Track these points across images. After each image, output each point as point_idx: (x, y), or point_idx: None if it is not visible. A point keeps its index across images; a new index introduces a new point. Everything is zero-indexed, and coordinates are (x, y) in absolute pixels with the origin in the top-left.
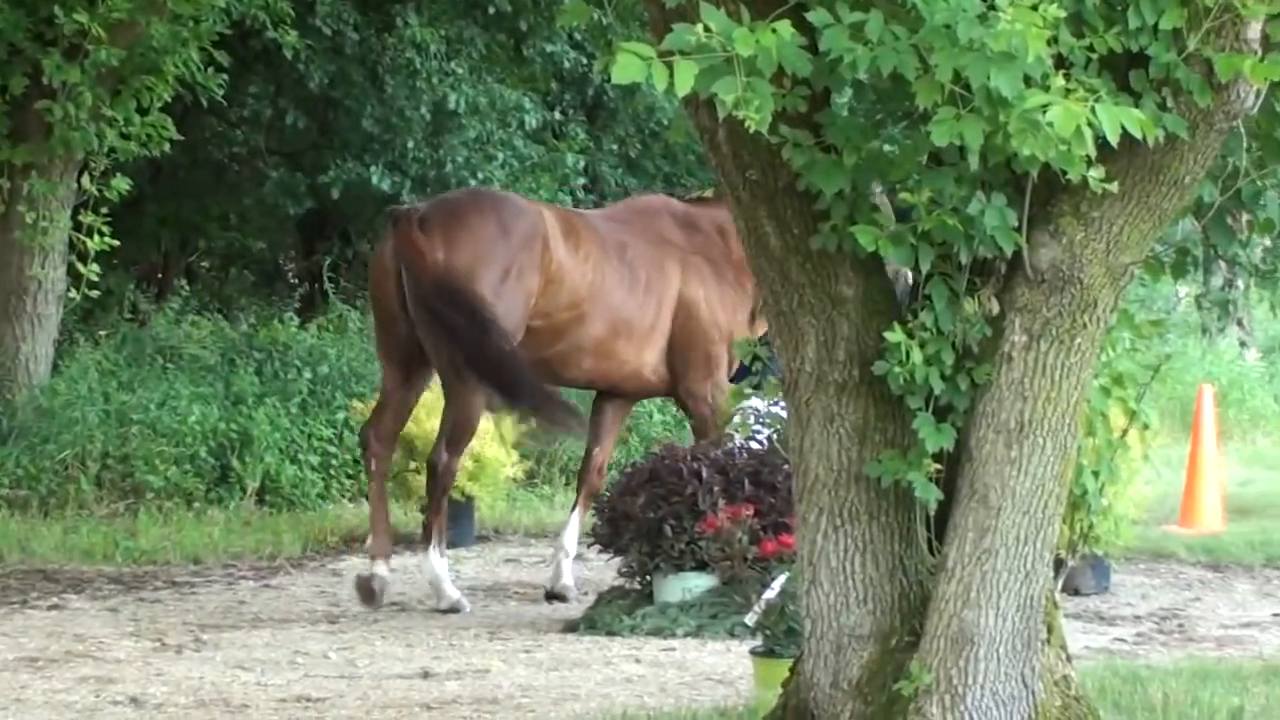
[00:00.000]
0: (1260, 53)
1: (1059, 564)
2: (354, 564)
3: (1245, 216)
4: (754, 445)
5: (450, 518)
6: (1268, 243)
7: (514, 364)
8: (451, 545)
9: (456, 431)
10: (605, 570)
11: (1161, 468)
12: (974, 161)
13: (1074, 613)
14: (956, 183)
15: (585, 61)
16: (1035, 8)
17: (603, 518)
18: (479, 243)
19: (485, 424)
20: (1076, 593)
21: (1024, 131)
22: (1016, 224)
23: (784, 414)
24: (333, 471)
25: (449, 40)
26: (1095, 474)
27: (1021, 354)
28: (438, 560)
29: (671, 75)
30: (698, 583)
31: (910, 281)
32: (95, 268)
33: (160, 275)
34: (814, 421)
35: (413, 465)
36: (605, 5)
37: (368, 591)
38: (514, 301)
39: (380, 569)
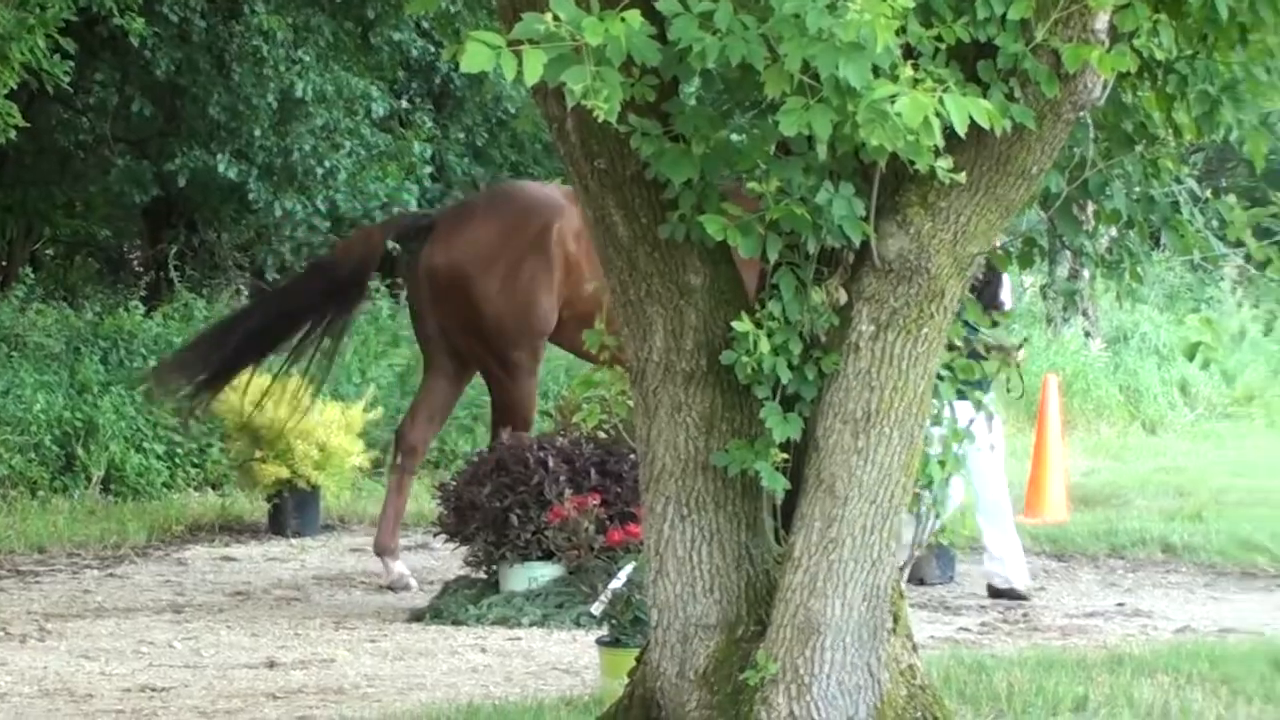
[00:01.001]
0: (1107, 44)
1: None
2: (199, 553)
3: (1091, 207)
4: (600, 434)
5: (295, 506)
6: (1113, 233)
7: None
8: (297, 534)
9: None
10: (451, 560)
11: (1007, 458)
12: (822, 151)
13: (920, 602)
14: (805, 172)
15: (433, 50)
16: None
17: (449, 507)
18: (477, 246)
19: (334, 413)
20: (922, 582)
21: (872, 122)
22: (864, 214)
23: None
24: (178, 460)
25: (296, 28)
26: (942, 463)
27: (869, 344)
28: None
29: (520, 64)
30: (544, 572)
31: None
32: None
33: (4, 263)
34: (661, 411)
35: (258, 454)
36: None
37: (405, 585)
38: (524, 301)
39: (398, 568)
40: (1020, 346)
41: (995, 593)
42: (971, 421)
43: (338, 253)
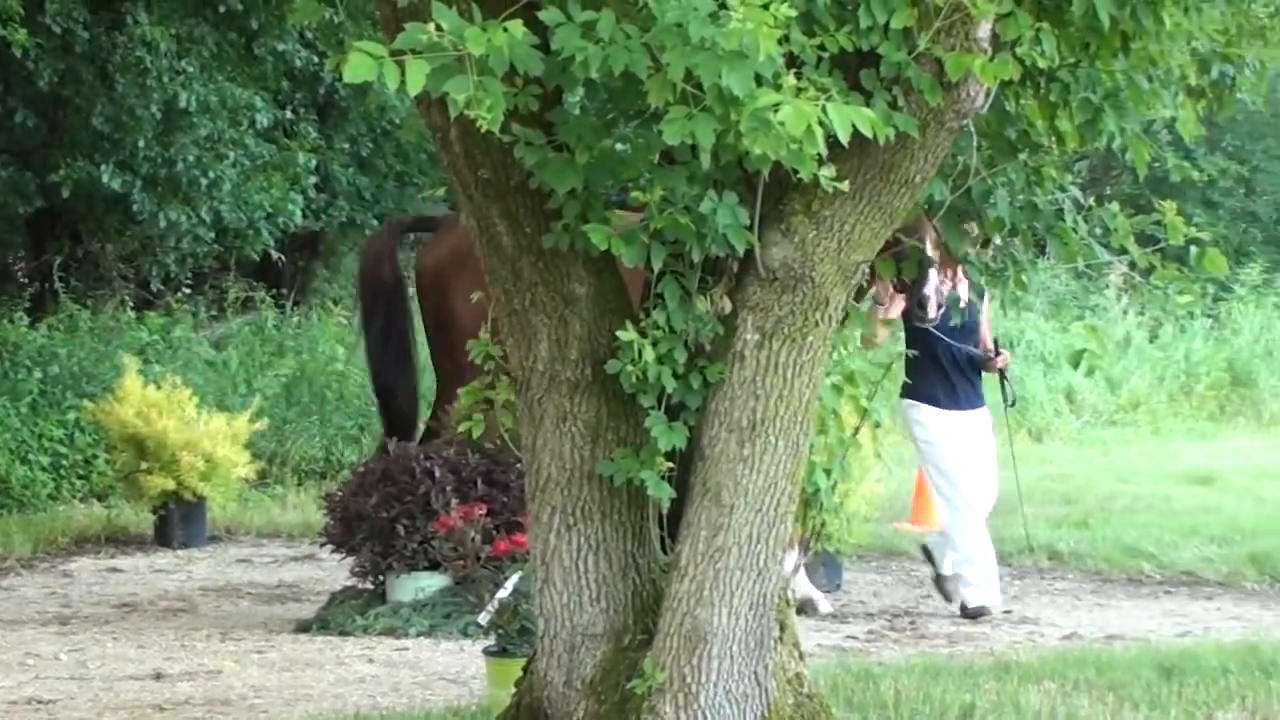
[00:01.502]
0: (990, 52)
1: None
2: (85, 565)
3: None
4: (486, 445)
5: (181, 518)
6: (998, 241)
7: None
8: (183, 545)
9: None
10: (338, 570)
11: (893, 466)
12: (706, 160)
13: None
14: (689, 181)
15: (317, 60)
16: (766, 7)
17: (335, 517)
18: (458, 250)
19: (220, 424)
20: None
21: (755, 130)
22: (748, 222)
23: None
24: (63, 472)
25: (179, 38)
26: (828, 472)
27: (754, 352)
28: None
29: (403, 74)
30: (430, 582)
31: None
32: None
33: None
34: (546, 420)
35: (144, 466)
36: (337, 4)
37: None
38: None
39: None
40: (999, 354)
41: (966, 613)
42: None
43: (370, 262)
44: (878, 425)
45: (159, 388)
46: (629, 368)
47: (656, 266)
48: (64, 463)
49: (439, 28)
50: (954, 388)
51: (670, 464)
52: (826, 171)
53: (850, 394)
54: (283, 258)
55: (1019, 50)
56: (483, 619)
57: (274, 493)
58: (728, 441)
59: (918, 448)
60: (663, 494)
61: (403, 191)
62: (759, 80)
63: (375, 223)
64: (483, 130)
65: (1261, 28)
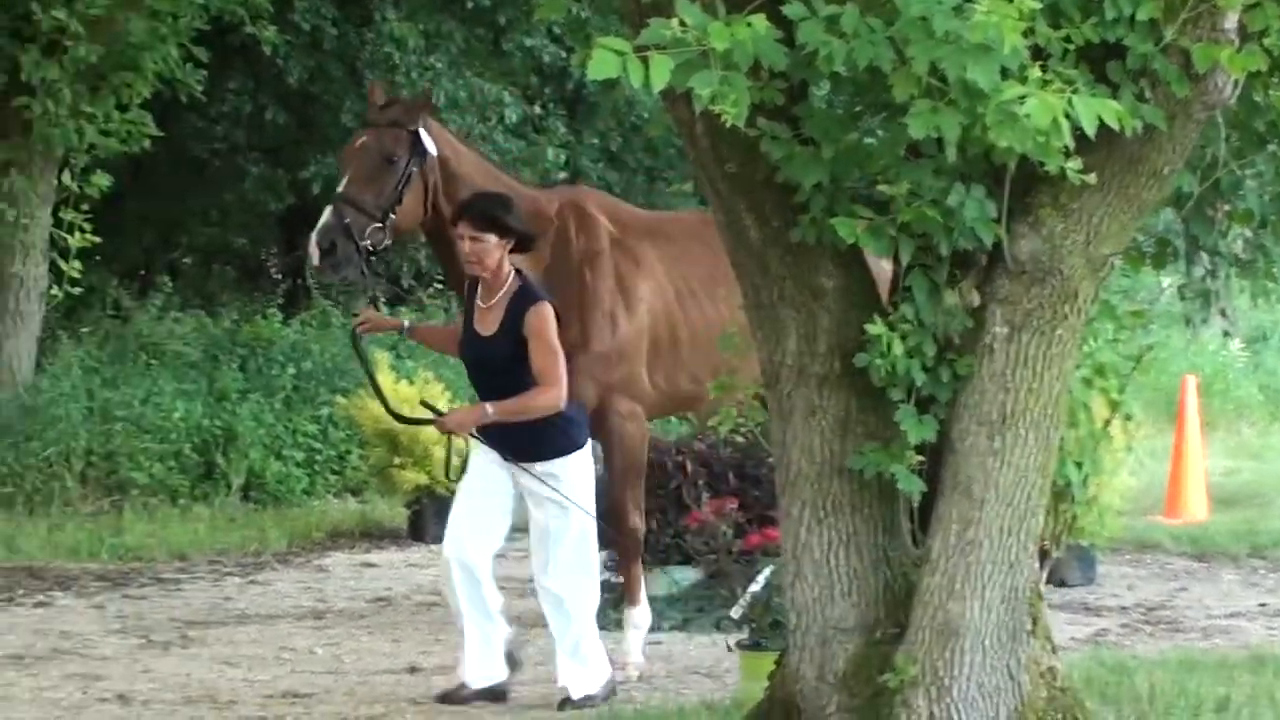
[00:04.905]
0: (1237, 43)
1: (1044, 555)
2: (339, 560)
3: (1225, 206)
4: (737, 438)
5: (435, 513)
6: (1248, 233)
7: None
8: (437, 540)
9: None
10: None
11: (1145, 458)
12: (952, 153)
13: (1060, 604)
14: (935, 175)
15: (564, 55)
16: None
17: None
18: None
19: None
20: (1062, 584)
21: (1001, 123)
22: (996, 215)
23: None
24: (317, 467)
25: (428, 35)
26: (1079, 465)
27: (1003, 345)
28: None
29: (647, 71)
30: (683, 576)
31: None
32: (77, 265)
33: (143, 272)
34: (796, 415)
35: (397, 461)
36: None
37: None
38: None
39: None
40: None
41: None
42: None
43: None
44: (1129, 418)
45: (411, 383)
46: (878, 361)
47: (905, 260)
48: (318, 458)
49: (683, 23)
50: None
51: (920, 457)
52: (1073, 164)
53: (1101, 387)
54: None
55: (1266, 41)
56: (735, 613)
57: None
58: (978, 435)
59: None
60: (913, 488)
61: (651, 186)
62: (1004, 73)
63: None
64: (728, 125)
65: None
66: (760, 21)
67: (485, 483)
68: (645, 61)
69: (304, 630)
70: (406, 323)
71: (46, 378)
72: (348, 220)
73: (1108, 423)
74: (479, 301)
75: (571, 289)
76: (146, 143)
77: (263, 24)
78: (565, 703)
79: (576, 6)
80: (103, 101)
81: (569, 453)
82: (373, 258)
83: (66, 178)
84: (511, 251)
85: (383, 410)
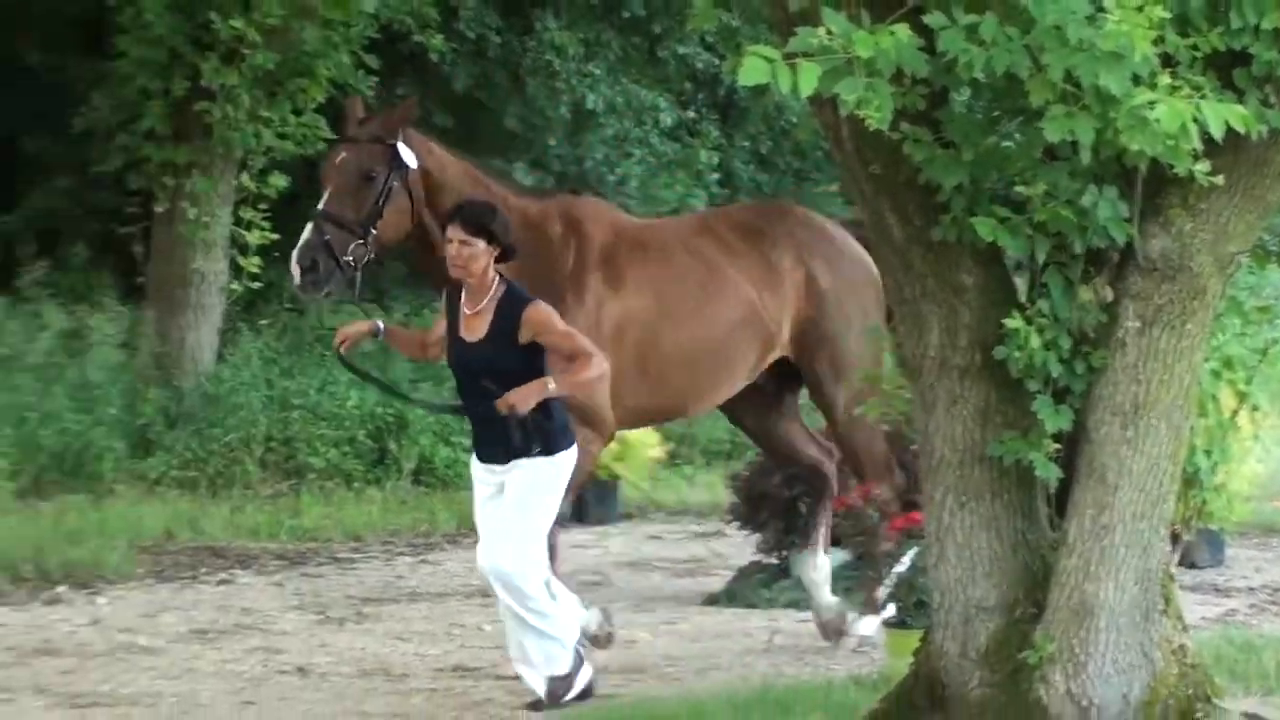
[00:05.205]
0: None
1: (1175, 538)
2: None
3: None
4: (883, 427)
5: (596, 496)
6: None
7: None
8: (598, 522)
9: None
10: (744, 546)
11: (1272, 446)
12: (1086, 156)
13: (1190, 585)
14: (1070, 176)
15: (717, 63)
16: (1141, 9)
17: (740, 496)
18: None
19: None
20: (1193, 566)
21: (1133, 128)
22: (1128, 215)
23: None
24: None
25: (586, 43)
26: (1208, 453)
27: (1135, 339)
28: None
29: (795, 77)
30: (832, 558)
31: None
32: (256, 261)
33: None
34: (939, 405)
35: None
36: (733, 9)
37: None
38: None
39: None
40: None
41: None
42: (1236, 413)
43: None
44: (1256, 409)
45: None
46: (1016, 354)
47: (1041, 258)
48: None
49: (829, 32)
50: None
51: (1057, 445)
52: (1202, 166)
53: (1229, 379)
54: None
55: None
56: (881, 593)
57: (683, 473)
58: (1111, 424)
59: None
60: (1050, 474)
61: (800, 187)
62: (1135, 79)
63: None
64: (872, 128)
65: None
66: (903, 30)
67: (490, 501)
68: (794, 68)
69: (472, 607)
70: (381, 324)
71: (227, 368)
72: (327, 237)
73: (1235, 413)
74: (464, 308)
75: (546, 299)
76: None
77: (430, 32)
78: (540, 703)
79: (728, 16)
80: (279, 106)
81: (549, 454)
82: (357, 273)
83: (245, 178)
84: (498, 259)
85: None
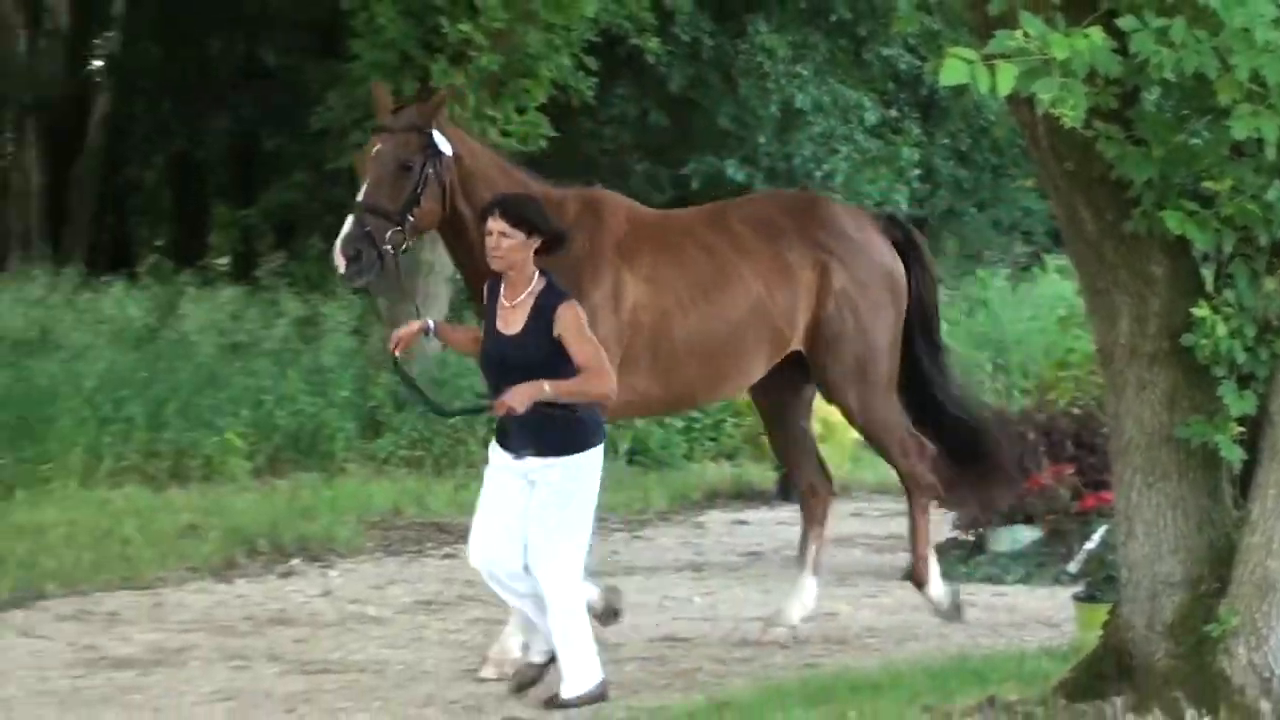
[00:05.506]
0: None
1: None
2: (715, 517)
3: None
4: (1074, 410)
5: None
6: None
7: None
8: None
9: None
10: (941, 523)
11: None
12: (1271, 153)
13: None
14: (1256, 172)
15: (919, 64)
16: None
17: (939, 476)
18: None
19: None
20: None
21: None
22: None
23: None
24: (695, 435)
25: (795, 46)
26: None
27: None
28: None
29: (993, 77)
30: (1025, 535)
31: None
32: None
33: None
34: (1128, 389)
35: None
36: (934, 12)
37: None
38: None
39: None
40: None
41: None
42: None
43: None
44: None
45: None
46: (1203, 341)
47: (1227, 250)
48: (695, 427)
49: (1026, 34)
50: None
51: (1241, 429)
52: None
53: None
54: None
55: None
56: (1072, 568)
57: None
58: None
59: None
60: (1234, 456)
61: (997, 182)
62: None
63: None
64: (1067, 126)
65: None
66: (1096, 33)
67: (501, 490)
68: (992, 69)
69: (684, 581)
70: (431, 323)
71: (452, 353)
72: (369, 228)
73: None
74: (503, 300)
75: (569, 285)
76: (543, 142)
77: (647, 36)
78: (553, 700)
79: (930, 19)
80: (503, 105)
81: (581, 450)
82: (397, 259)
83: None
84: (537, 253)
85: None
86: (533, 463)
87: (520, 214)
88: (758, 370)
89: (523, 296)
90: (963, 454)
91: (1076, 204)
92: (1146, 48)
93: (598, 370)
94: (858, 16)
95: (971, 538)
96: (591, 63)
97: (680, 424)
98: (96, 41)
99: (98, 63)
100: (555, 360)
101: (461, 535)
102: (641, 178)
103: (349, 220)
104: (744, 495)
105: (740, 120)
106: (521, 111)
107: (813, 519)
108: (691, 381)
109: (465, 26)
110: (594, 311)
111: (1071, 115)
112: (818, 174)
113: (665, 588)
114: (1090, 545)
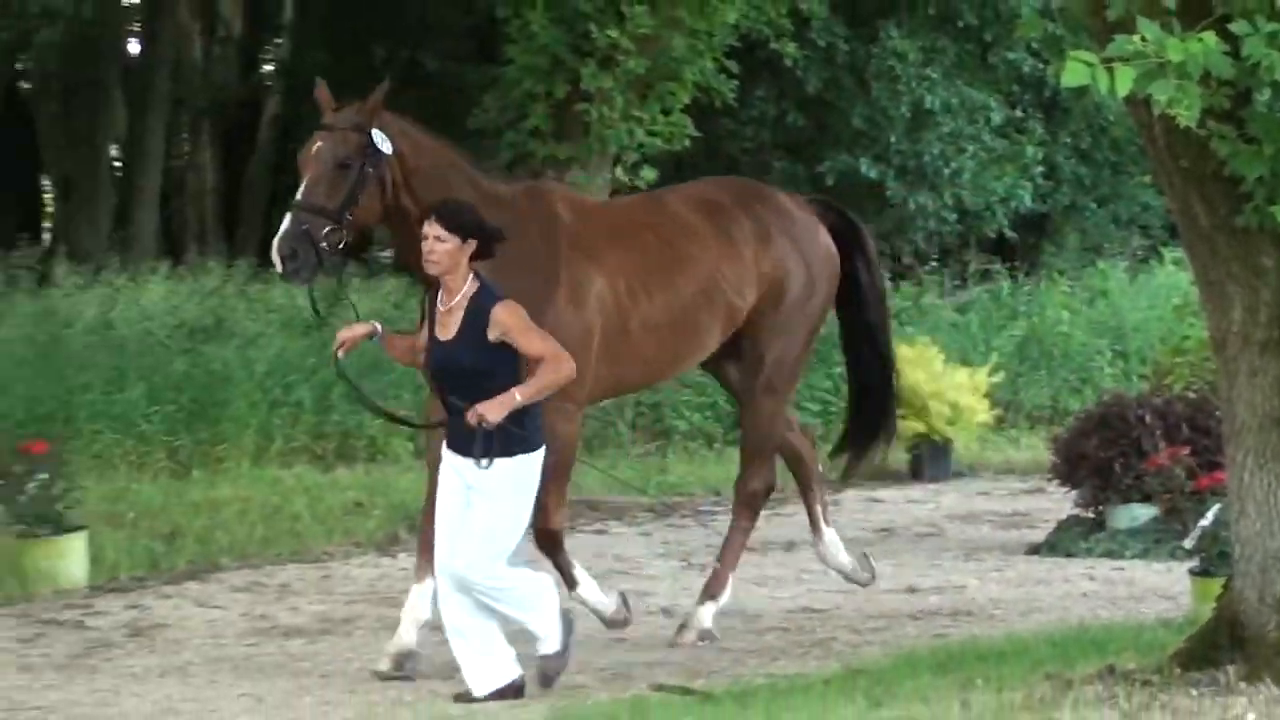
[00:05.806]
0: None
1: None
2: (850, 496)
3: None
4: (1190, 394)
5: (931, 456)
6: None
7: None
8: (933, 480)
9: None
10: (1063, 501)
11: None
12: None
13: None
14: None
15: (1042, 67)
16: None
17: (1061, 456)
18: None
19: (962, 377)
20: None
21: None
22: None
23: None
24: (831, 418)
25: (925, 50)
26: None
27: None
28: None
29: (1113, 79)
30: (1143, 513)
31: None
32: None
33: None
34: (1240, 375)
35: (900, 412)
36: (1056, 18)
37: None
38: None
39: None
40: None
41: None
42: None
43: None
44: None
45: (910, 346)
46: None
47: None
48: (832, 409)
49: (1144, 38)
50: None
51: None
52: None
53: None
54: (1015, 235)
55: None
56: (1188, 544)
57: (1009, 435)
58: None
59: None
60: None
61: (1117, 179)
62: None
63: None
64: (1182, 126)
65: None
66: (1210, 37)
67: (455, 495)
68: (1111, 71)
69: None
70: (379, 326)
71: None
72: (305, 226)
73: None
74: (439, 305)
75: (523, 281)
76: (686, 142)
77: (785, 40)
78: (462, 697)
79: (1052, 24)
80: (649, 107)
81: (525, 452)
82: (334, 256)
83: (619, 172)
84: (473, 257)
85: None
86: (469, 463)
87: (455, 219)
88: (713, 343)
89: (456, 300)
90: (859, 411)
91: (1191, 199)
92: (1258, 51)
93: (554, 356)
94: (984, 22)
95: (1092, 515)
96: (732, 66)
97: (817, 408)
98: (267, 48)
99: (268, 68)
100: (491, 363)
101: (612, 511)
102: (780, 175)
103: (286, 218)
104: (877, 475)
105: (873, 120)
106: (666, 113)
107: (808, 482)
108: (654, 359)
109: (613, 32)
110: (560, 308)
111: (1186, 115)
112: (946, 171)
113: (802, 562)
114: (1205, 522)
